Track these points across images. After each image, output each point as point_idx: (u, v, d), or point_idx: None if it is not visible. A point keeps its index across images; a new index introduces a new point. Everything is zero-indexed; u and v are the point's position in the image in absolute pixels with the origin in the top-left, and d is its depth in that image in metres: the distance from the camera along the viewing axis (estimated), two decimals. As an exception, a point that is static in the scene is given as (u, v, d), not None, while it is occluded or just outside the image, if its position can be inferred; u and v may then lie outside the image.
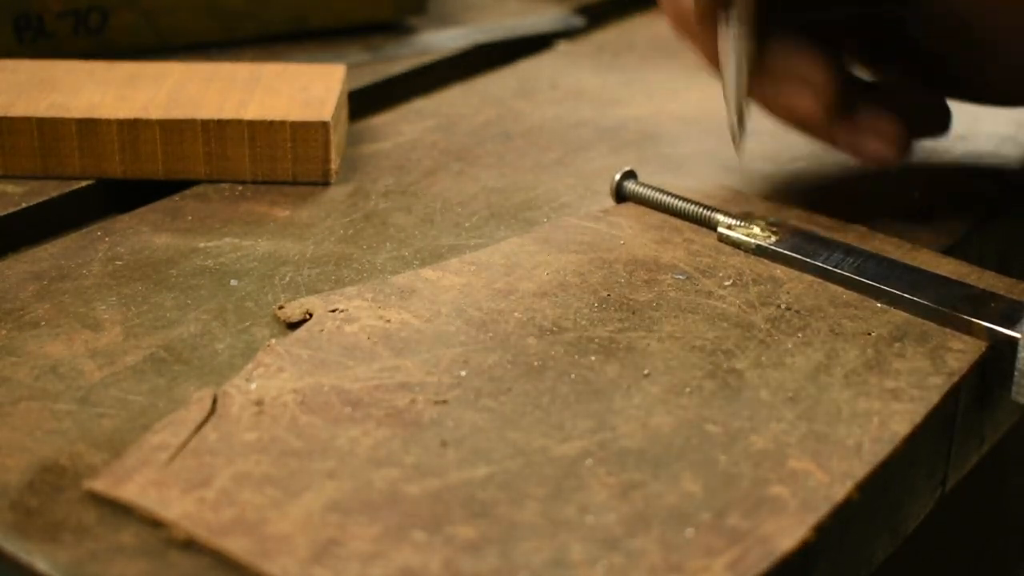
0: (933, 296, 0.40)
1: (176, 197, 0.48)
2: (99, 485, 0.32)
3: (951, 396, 0.37)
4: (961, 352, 0.38)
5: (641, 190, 0.47)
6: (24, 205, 0.47)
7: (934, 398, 0.36)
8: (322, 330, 0.38)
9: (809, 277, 0.42)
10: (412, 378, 0.36)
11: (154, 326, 0.39)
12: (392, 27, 0.66)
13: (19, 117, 0.48)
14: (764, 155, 0.53)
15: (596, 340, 0.39)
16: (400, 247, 0.45)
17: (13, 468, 0.33)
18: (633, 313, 0.40)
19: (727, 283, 0.42)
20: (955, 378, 0.37)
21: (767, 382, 0.37)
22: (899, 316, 0.40)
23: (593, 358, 0.38)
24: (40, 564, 0.30)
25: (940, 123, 0.50)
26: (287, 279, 0.42)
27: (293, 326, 0.39)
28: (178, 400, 0.36)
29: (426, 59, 0.63)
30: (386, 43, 0.64)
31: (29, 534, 0.31)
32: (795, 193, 0.49)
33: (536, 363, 0.37)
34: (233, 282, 0.42)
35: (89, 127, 0.48)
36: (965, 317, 0.39)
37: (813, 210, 0.47)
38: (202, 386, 0.36)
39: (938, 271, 0.42)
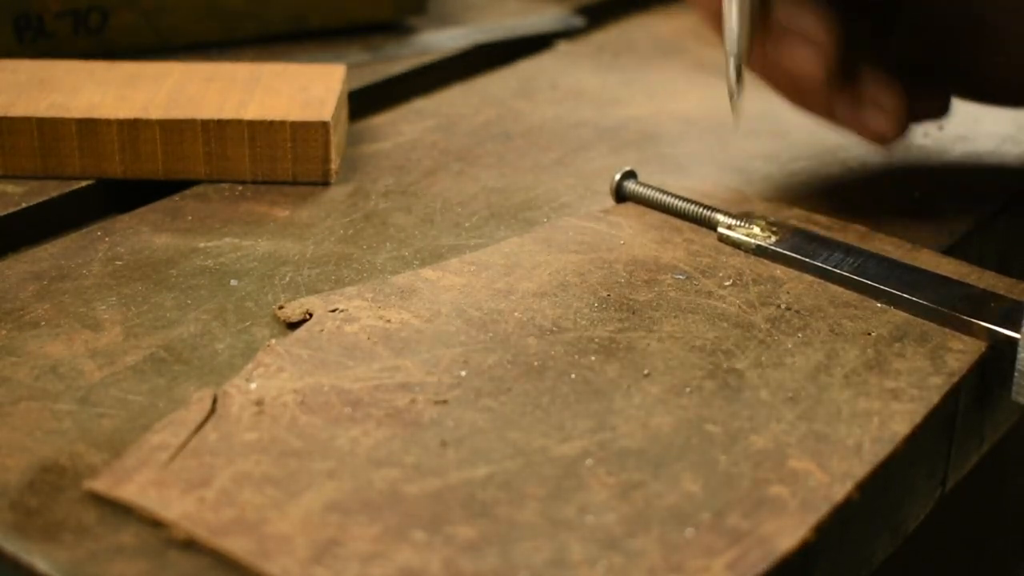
0: (933, 296, 0.40)
1: (176, 197, 0.48)
2: (99, 485, 0.32)
3: (951, 396, 0.37)
4: (961, 352, 0.38)
5: (641, 190, 0.47)
6: (24, 205, 0.47)
7: (934, 398, 0.36)
8: (322, 330, 0.38)
9: (809, 277, 0.42)
10: (412, 378, 0.36)
11: (154, 326, 0.39)
12: (392, 27, 0.66)
13: (19, 117, 0.48)
14: (764, 155, 0.53)
15: (596, 340, 0.39)
16: (400, 247, 0.45)
17: (13, 468, 0.33)
18: (633, 313, 0.40)
19: (727, 283, 0.42)
20: (955, 378, 0.37)
21: (767, 382, 0.37)
22: (899, 316, 0.40)
23: (593, 358, 0.38)
24: (40, 564, 0.30)
25: (940, 105, 0.49)
26: (287, 279, 0.42)
27: (293, 326, 0.39)
28: (178, 400, 0.36)
29: (426, 59, 0.63)
30: (386, 43, 0.64)
31: (29, 534, 0.31)
32: (795, 193, 0.49)
33: (536, 363, 0.37)
34: (233, 282, 0.42)
35: (89, 127, 0.48)
36: (965, 317, 0.39)
37: (813, 210, 0.47)
38: (202, 386, 0.36)
39: (938, 271, 0.42)
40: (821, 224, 0.46)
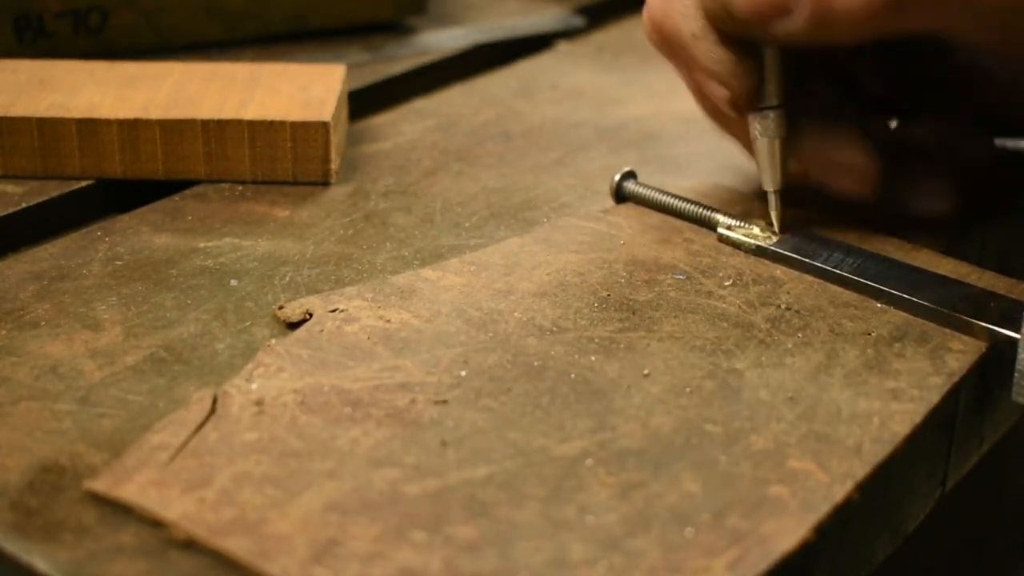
0: (933, 296, 0.40)
1: (176, 197, 0.48)
2: (99, 485, 0.32)
3: (951, 396, 0.37)
4: (961, 352, 0.38)
5: (641, 190, 0.47)
6: (24, 205, 0.47)
7: (934, 398, 0.36)
8: (322, 330, 0.38)
9: (809, 277, 0.42)
10: (412, 378, 0.36)
11: (154, 326, 0.39)
12: (392, 27, 0.66)
13: (19, 117, 0.48)
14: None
15: (596, 340, 0.39)
16: (400, 247, 0.45)
17: (13, 468, 0.33)
18: (633, 313, 0.40)
19: (727, 283, 0.42)
20: (955, 378, 0.37)
21: (767, 382, 0.37)
22: (899, 316, 0.40)
23: (593, 358, 0.38)
24: (40, 564, 0.30)
25: (984, 147, 0.50)
26: (287, 279, 0.42)
27: (293, 326, 0.39)
28: (178, 400, 0.36)
29: (426, 59, 0.63)
30: (386, 43, 0.64)
31: (29, 534, 0.31)
32: (795, 193, 0.49)
33: (536, 363, 0.37)
34: (233, 282, 0.42)
35: (89, 127, 0.48)
36: (965, 317, 0.39)
37: (813, 210, 0.47)
38: (202, 386, 0.36)
39: (938, 271, 0.42)
40: (821, 224, 0.46)
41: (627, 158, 0.52)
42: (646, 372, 0.37)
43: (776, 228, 0.44)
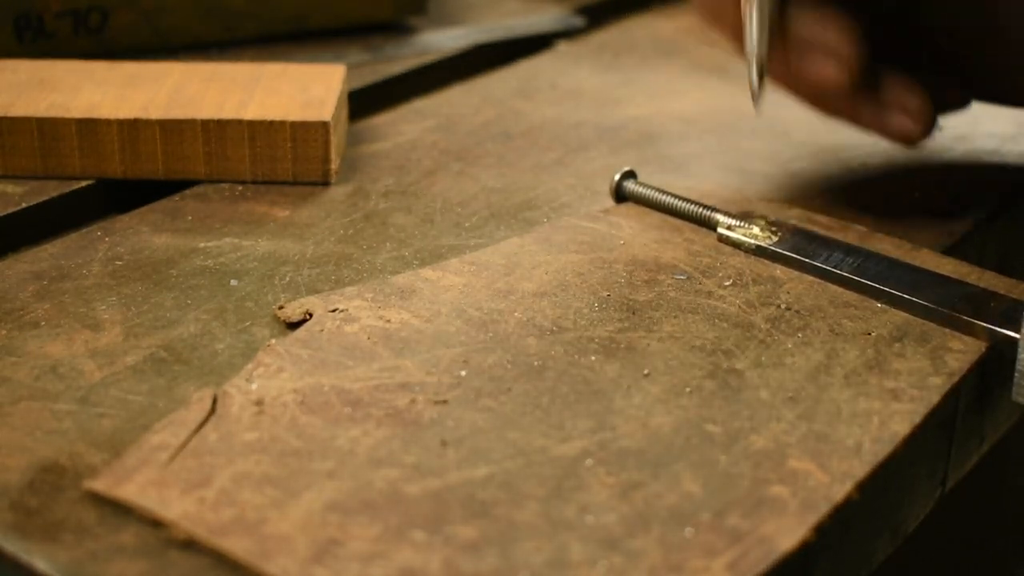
0: (933, 296, 0.40)
1: (176, 197, 0.48)
2: (99, 485, 0.32)
3: (951, 396, 0.37)
4: (961, 352, 0.38)
5: (641, 190, 0.47)
6: (24, 205, 0.47)
7: (934, 398, 0.36)
8: (322, 330, 0.38)
9: (809, 277, 0.42)
10: (412, 378, 0.36)
11: (154, 326, 0.39)
12: (392, 27, 0.66)
13: (19, 117, 0.48)
14: (764, 155, 0.53)
15: (596, 340, 0.39)
16: (400, 247, 0.45)
17: (13, 468, 0.33)
18: (633, 313, 0.40)
19: (727, 283, 0.42)
20: (955, 378, 0.37)
21: (767, 382, 0.37)
22: (899, 316, 0.40)
23: (593, 358, 0.38)
24: (40, 564, 0.30)
25: (960, 96, 0.49)
26: (287, 279, 0.42)
27: (293, 326, 0.39)
28: (178, 400, 0.36)
29: (426, 59, 0.63)
30: (386, 43, 0.64)
31: (29, 534, 0.31)
32: (795, 193, 0.49)
33: (536, 363, 0.37)
34: (233, 282, 0.42)
35: (89, 127, 0.48)
36: (965, 317, 0.39)
37: (813, 210, 0.47)
38: (202, 386, 0.36)
39: (938, 271, 0.42)
40: (821, 224, 0.46)
41: (627, 158, 0.52)
42: (646, 372, 0.37)
43: (754, 107, 0.44)
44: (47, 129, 0.48)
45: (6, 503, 0.32)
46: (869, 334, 0.39)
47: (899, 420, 0.35)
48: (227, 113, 0.48)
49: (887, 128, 0.46)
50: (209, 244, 0.45)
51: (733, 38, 0.46)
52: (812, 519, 0.31)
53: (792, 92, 0.47)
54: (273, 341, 0.38)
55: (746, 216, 0.45)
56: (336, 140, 0.50)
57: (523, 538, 0.30)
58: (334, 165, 0.49)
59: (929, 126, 0.46)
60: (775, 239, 0.44)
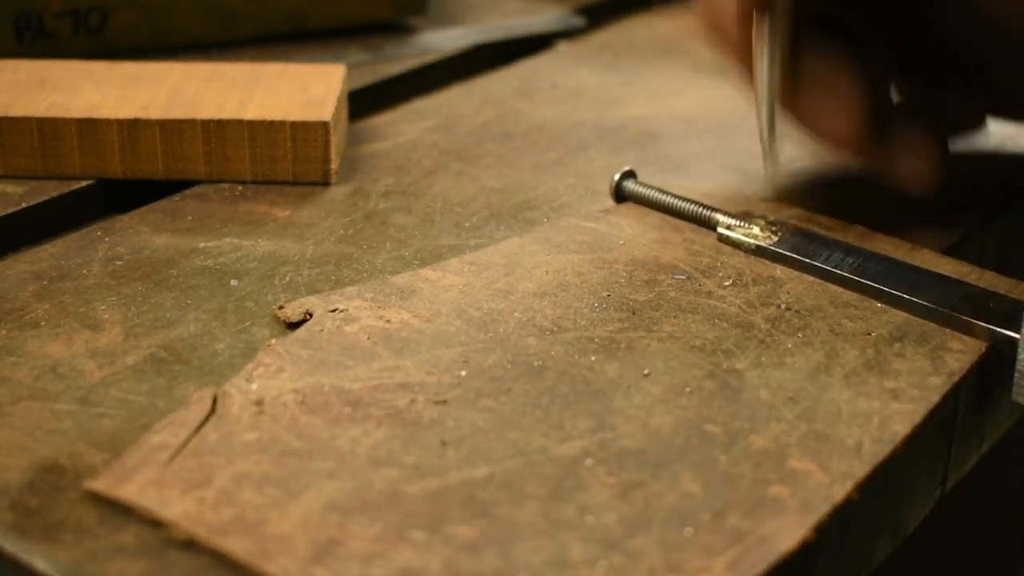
0: (933, 296, 0.40)
1: (176, 197, 0.48)
2: (99, 485, 0.32)
3: (951, 396, 0.37)
4: (961, 352, 0.38)
5: (641, 190, 0.47)
6: (24, 205, 0.47)
7: (934, 398, 0.36)
8: (322, 330, 0.38)
9: (809, 277, 0.42)
10: (412, 378, 0.36)
11: (154, 326, 0.39)
12: (392, 27, 0.66)
13: (19, 117, 0.48)
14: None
15: (596, 340, 0.39)
16: (400, 247, 0.45)
17: (13, 468, 0.33)
18: (633, 313, 0.40)
19: (727, 283, 0.42)
20: (955, 378, 0.37)
21: (767, 382, 0.37)
22: (899, 316, 0.40)
23: (593, 358, 0.38)
24: (40, 564, 0.30)
25: (975, 118, 0.50)
26: (287, 279, 0.42)
27: (293, 326, 0.39)
28: (178, 400, 0.36)
29: (426, 59, 0.63)
30: (386, 43, 0.64)
31: (29, 534, 0.31)
32: (795, 193, 0.49)
33: (536, 363, 0.37)
34: (233, 282, 0.42)
35: (89, 127, 0.48)
36: (965, 317, 0.39)
37: (813, 210, 0.47)
38: (202, 386, 0.36)
39: (938, 271, 0.42)
40: (821, 224, 0.46)
41: (627, 158, 0.52)
42: (646, 372, 0.37)
43: (767, 145, 0.44)
44: (47, 129, 0.48)
45: (6, 503, 0.32)
46: (869, 334, 0.39)
47: (899, 420, 0.35)
48: (227, 113, 0.48)
49: (898, 172, 0.46)
50: (209, 244, 0.45)
51: (737, 62, 0.46)
52: (812, 519, 0.31)
53: (803, 131, 0.47)
54: (273, 341, 0.38)
55: (746, 216, 0.45)
56: (336, 140, 0.50)
57: (523, 538, 0.30)
58: (334, 165, 0.49)
59: (941, 171, 0.46)
60: (775, 239, 0.44)
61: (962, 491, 0.43)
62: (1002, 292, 0.41)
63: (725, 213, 0.45)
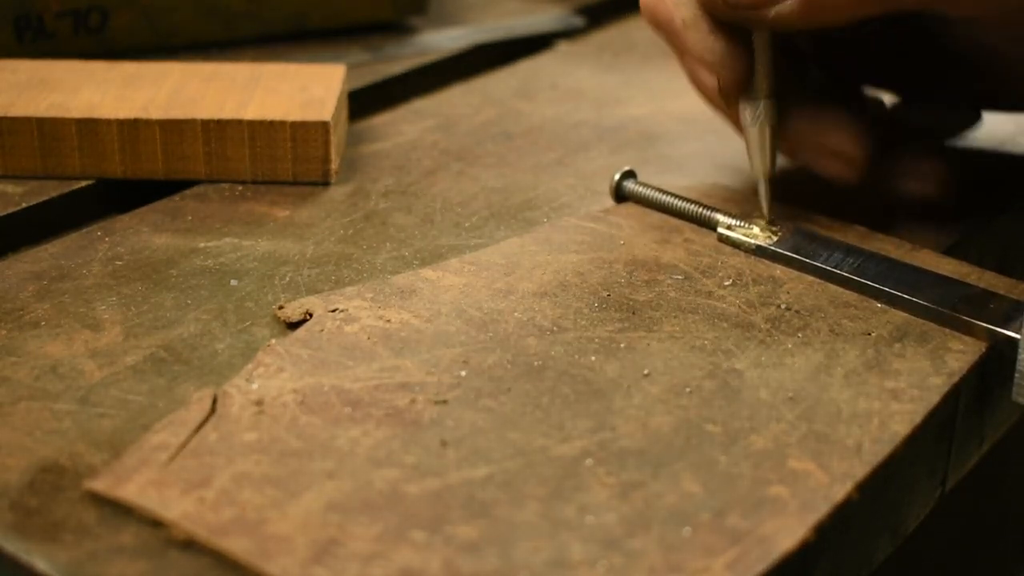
0: (933, 296, 0.40)
1: (176, 197, 0.48)
2: (99, 485, 0.32)
3: (951, 396, 0.37)
4: (961, 352, 0.38)
5: (641, 190, 0.47)
6: (24, 205, 0.47)
7: (934, 398, 0.36)
8: (322, 330, 0.38)
9: (809, 277, 0.42)
10: (412, 378, 0.36)
11: (154, 326, 0.39)
12: (392, 27, 0.66)
13: (19, 117, 0.48)
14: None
15: (596, 340, 0.39)
16: (400, 247, 0.45)
17: (13, 468, 0.33)
18: (633, 313, 0.40)
19: (727, 283, 0.42)
20: (955, 378, 0.37)
21: (767, 382, 0.37)
22: (899, 316, 0.40)
23: (593, 358, 0.38)
24: (40, 564, 0.30)
25: (970, 117, 0.50)
26: (287, 279, 0.42)
27: (293, 326, 0.39)
28: (178, 400, 0.36)
29: (426, 59, 0.63)
30: (386, 43, 0.64)
31: (29, 534, 0.31)
32: (795, 193, 0.49)
33: (536, 363, 0.37)
34: (233, 282, 0.42)
35: (89, 127, 0.48)
36: (965, 318, 0.39)
37: (813, 210, 0.47)
38: (202, 386, 0.36)
39: (938, 271, 0.42)
40: (821, 224, 0.46)
41: (627, 158, 0.52)
42: (646, 372, 0.37)
43: (766, 215, 0.44)
44: (47, 129, 0.48)
45: (6, 503, 0.32)
46: (869, 334, 0.39)
47: (899, 420, 0.35)
48: (227, 113, 0.48)
49: (904, 194, 0.47)
50: (209, 244, 0.45)
51: (731, 124, 0.47)
52: (812, 519, 0.31)
53: (802, 163, 0.47)
54: (273, 341, 0.38)
55: (746, 216, 0.45)
56: (336, 140, 0.50)
57: (523, 538, 0.30)
58: (334, 165, 0.49)
59: (946, 185, 0.46)
60: (775, 239, 0.44)
61: (962, 491, 0.43)
62: (1002, 292, 0.41)
63: (725, 213, 0.45)
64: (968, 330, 0.39)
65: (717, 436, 0.34)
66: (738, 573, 0.30)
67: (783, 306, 0.41)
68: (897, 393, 0.36)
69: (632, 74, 0.63)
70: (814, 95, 0.46)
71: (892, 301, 0.41)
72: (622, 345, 0.38)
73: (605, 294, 0.41)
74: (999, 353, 0.39)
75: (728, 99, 0.44)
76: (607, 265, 0.43)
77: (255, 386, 0.36)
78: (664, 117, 0.57)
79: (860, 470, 0.33)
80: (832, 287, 0.42)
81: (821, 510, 0.32)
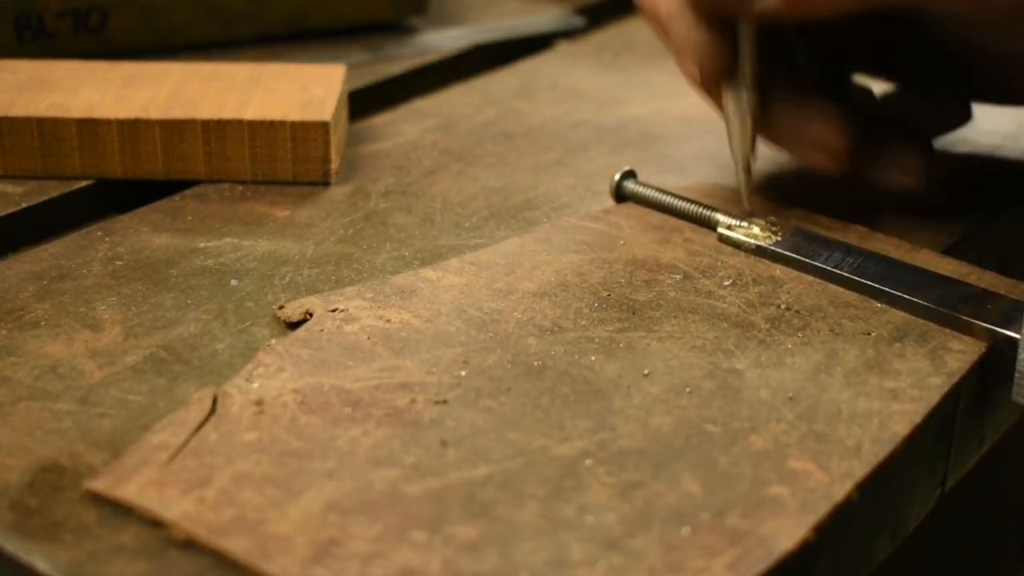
0: (933, 296, 0.40)
1: (176, 197, 0.48)
2: (99, 485, 0.32)
3: (951, 396, 0.37)
4: (961, 352, 0.38)
5: (641, 190, 0.47)
6: (24, 205, 0.47)
7: (934, 398, 0.36)
8: (322, 330, 0.38)
9: (809, 277, 0.42)
10: (412, 378, 0.36)
11: (154, 326, 0.39)
12: (392, 27, 0.66)
13: (19, 117, 0.48)
14: (764, 155, 0.53)
15: (596, 340, 0.39)
16: (400, 247, 0.45)
17: (13, 468, 0.33)
18: (633, 313, 0.40)
19: (727, 283, 0.42)
20: (955, 378, 0.37)
21: (767, 382, 0.37)
22: (899, 316, 0.40)
23: (593, 358, 0.38)
24: (40, 564, 0.30)
25: (961, 114, 0.50)
26: (287, 279, 0.42)
27: (293, 326, 0.39)
28: (178, 400, 0.36)
29: (426, 59, 0.63)
30: (386, 43, 0.64)
31: (29, 534, 0.31)
32: (795, 193, 0.49)
33: (536, 363, 0.37)
34: (233, 282, 0.42)
35: (89, 127, 0.48)
36: (965, 317, 0.39)
37: (813, 210, 0.47)
38: (202, 386, 0.36)
39: (938, 271, 0.42)
40: (821, 224, 0.46)
41: (627, 158, 0.52)
42: (646, 372, 0.37)
43: (746, 205, 0.45)
44: (47, 129, 0.48)
45: (6, 503, 0.32)
46: (869, 334, 0.39)
47: (899, 420, 0.35)
48: (227, 113, 0.48)
49: (887, 184, 0.47)
50: (209, 244, 0.45)
51: (717, 109, 0.47)
52: (812, 519, 0.31)
53: (784, 152, 0.47)
54: (273, 341, 0.38)
55: (746, 216, 0.45)
56: (336, 140, 0.50)
57: (523, 538, 0.30)
58: (334, 165, 0.49)
59: (928, 177, 0.46)
60: (775, 239, 0.44)
61: (962, 491, 0.43)
62: (1002, 292, 0.41)
63: (725, 213, 0.45)
64: (968, 330, 0.39)
65: (717, 436, 0.34)
66: (738, 573, 0.30)
67: (783, 306, 0.41)
68: (897, 393, 0.36)
69: (632, 74, 0.63)
70: (800, 85, 0.46)
71: (892, 301, 0.41)
72: (622, 345, 0.38)
73: (605, 294, 0.41)
74: (999, 353, 0.39)
75: (710, 88, 0.45)
76: (607, 265, 0.43)
77: (255, 386, 0.36)
78: (664, 117, 0.57)
79: (860, 470, 0.33)
80: (832, 287, 0.42)
81: (821, 510, 0.32)
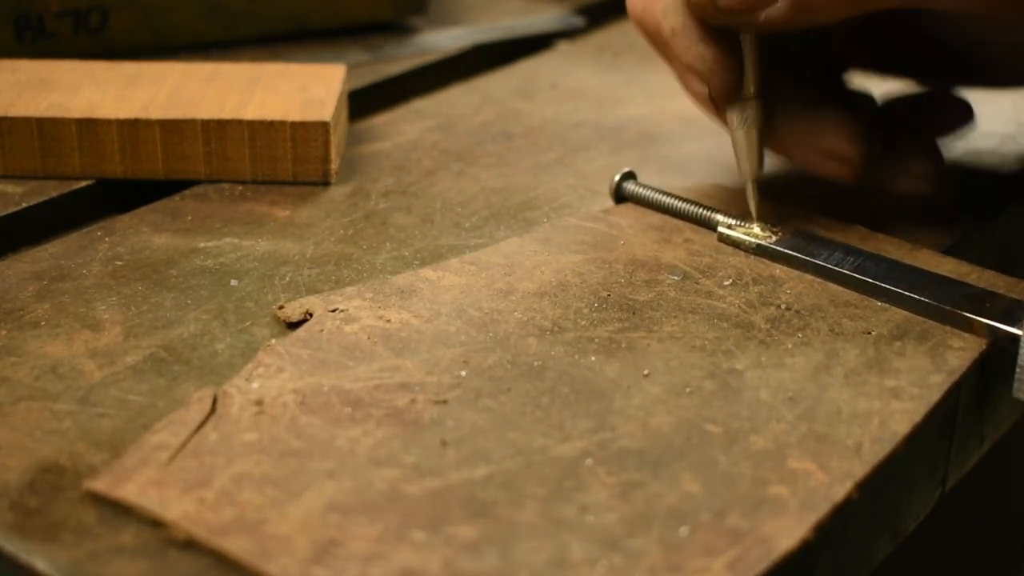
0: (933, 294, 0.40)
1: (176, 197, 0.48)
2: (99, 485, 0.32)
3: (951, 394, 0.37)
4: (961, 350, 0.38)
5: (641, 190, 0.47)
6: (24, 205, 0.47)
7: (934, 396, 0.36)
8: (322, 330, 0.38)
9: (809, 277, 0.42)
10: (412, 378, 0.36)
11: (154, 326, 0.39)
12: (392, 27, 0.66)
13: (19, 117, 0.48)
14: (764, 155, 0.53)
15: (596, 340, 0.39)
16: (400, 247, 0.45)
17: (13, 468, 0.33)
18: (633, 313, 0.40)
19: (727, 283, 0.42)
20: (955, 376, 0.37)
21: (767, 382, 0.37)
22: (899, 315, 0.40)
23: (593, 358, 0.38)
24: (40, 564, 0.30)
25: (964, 116, 0.50)
26: (287, 279, 0.42)
27: (293, 326, 0.39)
28: (178, 400, 0.36)
29: (426, 59, 0.63)
30: (386, 43, 0.64)
31: (29, 534, 0.31)
32: (795, 193, 0.49)
33: (536, 363, 0.37)
34: (233, 282, 0.42)
35: (89, 127, 0.48)
36: (965, 315, 0.39)
37: (813, 210, 0.47)
38: (202, 386, 0.36)
39: (938, 271, 0.42)
40: (821, 224, 0.46)
41: (627, 158, 0.52)
42: (646, 372, 0.37)
43: (755, 217, 0.44)
44: (47, 129, 0.48)
45: (6, 503, 0.32)
46: (869, 333, 0.39)
47: (899, 419, 0.35)
48: (227, 113, 0.48)
49: (896, 191, 0.47)
50: (209, 244, 0.45)
51: (725, 128, 0.47)
52: (812, 519, 0.31)
53: (793, 163, 0.47)
54: (273, 341, 0.38)
55: (746, 216, 0.45)
56: (336, 140, 0.50)
57: (523, 538, 0.30)
58: (334, 165, 0.49)
59: (937, 183, 0.46)
60: (775, 238, 0.44)
61: (962, 491, 0.43)
62: (1002, 291, 0.41)
63: (725, 213, 0.45)
64: (968, 327, 0.39)
65: (717, 436, 0.34)
66: (738, 573, 0.30)
67: (783, 306, 0.41)
68: (897, 392, 0.36)
69: (632, 74, 0.63)
70: (805, 94, 0.46)
71: (892, 299, 0.41)
72: (622, 345, 0.38)
73: (605, 294, 0.41)
74: (1000, 350, 0.39)
75: (719, 105, 0.44)
76: (607, 265, 0.43)
77: (255, 386, 0.36)
78: (664, 117, 0.57)
79: (860, 470, 0.33)
80: (832, 286, 0.42)
81: (821, 510, 0.32)
